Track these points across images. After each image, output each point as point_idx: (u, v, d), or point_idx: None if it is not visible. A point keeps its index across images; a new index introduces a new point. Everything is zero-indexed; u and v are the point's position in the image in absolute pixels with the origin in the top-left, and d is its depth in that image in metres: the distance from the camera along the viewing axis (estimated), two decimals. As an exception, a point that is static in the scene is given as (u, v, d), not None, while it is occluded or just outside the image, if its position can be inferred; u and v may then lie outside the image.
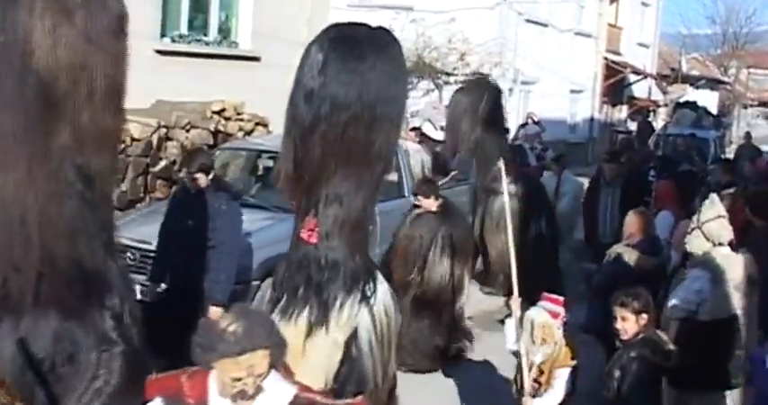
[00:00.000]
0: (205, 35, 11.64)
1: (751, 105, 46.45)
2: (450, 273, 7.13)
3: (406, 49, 17.15)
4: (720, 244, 5.25)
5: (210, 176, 6.21)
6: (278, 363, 2.81)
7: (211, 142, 10.12)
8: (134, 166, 9.00)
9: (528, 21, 21.36)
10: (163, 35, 10.93)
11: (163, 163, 9.41)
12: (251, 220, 7.77)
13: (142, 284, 6.57)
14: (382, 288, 3.85)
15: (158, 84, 10.12)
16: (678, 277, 5.56)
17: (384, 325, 3.81)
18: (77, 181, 2.34)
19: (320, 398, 2.83)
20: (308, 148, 3.63)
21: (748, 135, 21.57)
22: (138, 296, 6.44)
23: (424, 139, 12.16)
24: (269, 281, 5.81)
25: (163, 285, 6.39)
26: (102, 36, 2.28)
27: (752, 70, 46.96)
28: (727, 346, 5.18)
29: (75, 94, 2.30)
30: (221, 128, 10.41)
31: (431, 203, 7.26)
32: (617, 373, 4.50)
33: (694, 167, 14.28)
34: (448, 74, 17.94)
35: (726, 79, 41.54)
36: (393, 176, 9.55)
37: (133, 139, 9.02)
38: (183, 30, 11.32)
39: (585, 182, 10.88)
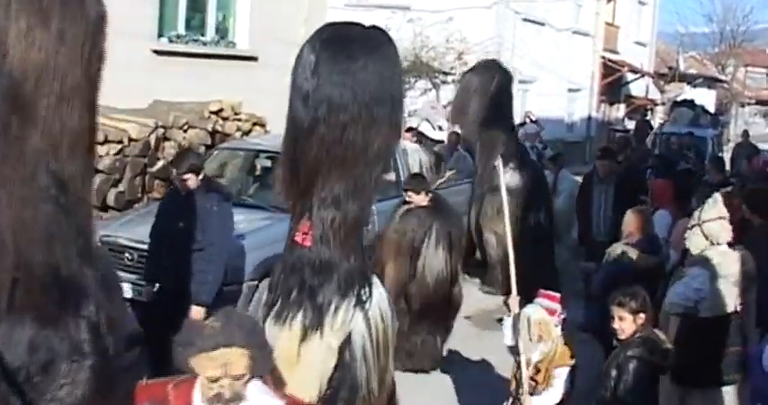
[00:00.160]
0: (202, 35, 11.63)
1: (748, 104, 46.53)
2: (445, 266, 7.09)
3: (404, 49, 17.27)
4: (718, 244, 5.28)
5: (201, 177, 6.16)
6: (262, 370, 2.76)
7: (209, 142, 10.12)
8: (132, 166, 8.99)
9: (525, 20, 21.38)
10: (160, 35, 10.93)
11: (160, 163, 9.40)
12: (249, 220, 7.78)
13: (139, 284, 6.59)
14: (378, 293, 3.79)
15: (156, 84, 10.13)
16: (677, 275, 5.58)
17: (380, 331, 3.75)
18: (52, 185, 2.30)
19: None
20: (305, 150, 3.59)
21: (746, 133, 21.61)
22: (131, 295, 6.48)
23: (422, 138, 12.18)
24: (267, 281, 5.81)
25: (157, 285, 6.35)
26: (78, 39, 2.24)
27: (749, 68, 47.04)
28: (728, 342, 5.21)
29: (47, 98, 2.26)
30: (219, 128, 10.41)
31: (421, 199, 7.20)
32: (614, 373, 4.50)
33: (691, 166, 14.30)
34: (445, 73, 17.96)
35: (723, 78, 41.60)
36: (391, 176, 9.56)
37: (131, 140, 9.01)
38: (181, 30, 11.31)
39: (583, 181, 10.90)
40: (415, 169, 9.93)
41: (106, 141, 8.76)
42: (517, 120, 18.69)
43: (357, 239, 3.72)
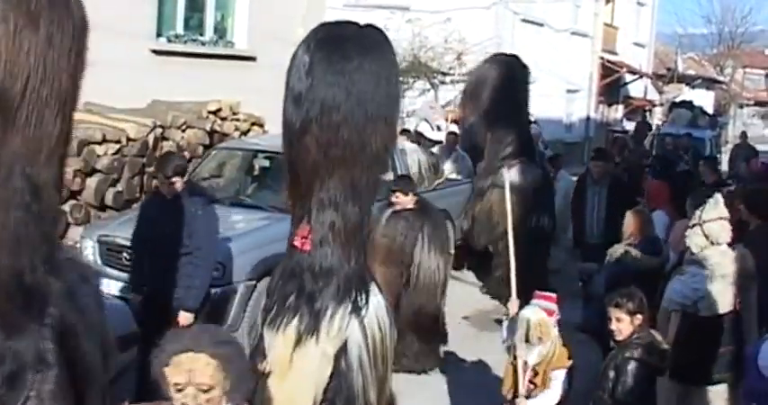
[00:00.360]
0: (201, 35, 11.64)
1: (747, 105, 46.56)
2: (438, 271, 7.04)
3: (402, 49, 17.27)
4: (718, 243, 5.30)
5: (184, 180, 6.05)
6: (235, 391, 2.65)
7: (207, 142, 10.12)
8: (130, 166, 8.98)
9: (524, 20, 21.37)
10: (159, 35, 10.93)
11: (159, 163, 9.40)
12: (247, 220, 7.79)
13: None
14: (376, 300, 3.70)
15: (154, 83, 10.13)
16: (676, 273, 5.60)
17: (377, 340, 3.66)
18: (26, 190, 2.26)
19: None
20: (300, 152, 3.54)
21: (744, 135, 21.60)
22: (130, 295, 6.34)
23: (420, 139, 12.17)
24: (266, 281, 5.80)
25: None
26: (66, 43, 2.21)
27: (748, 70, 47.07)
28: (726, 341, 5.23)
29: (33, 102, 2.23)
30: (217, 128, 10.40)
31: (408, 200, 7.09)
32: (612, 374, 4.51)
33: (690, 167, 14.30)
34: (444, 74, 17.94)
35: (722, 79, 41.61)
36: (389, 176, 9.56)
37: (129, 139, 9.01)
38: (179, 29, 11.32)
39: (581, 182, 10.90)
40: (414, 170, 9.93)
41: (104, 141, 8.75)
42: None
43: (357, 243, 3.64)
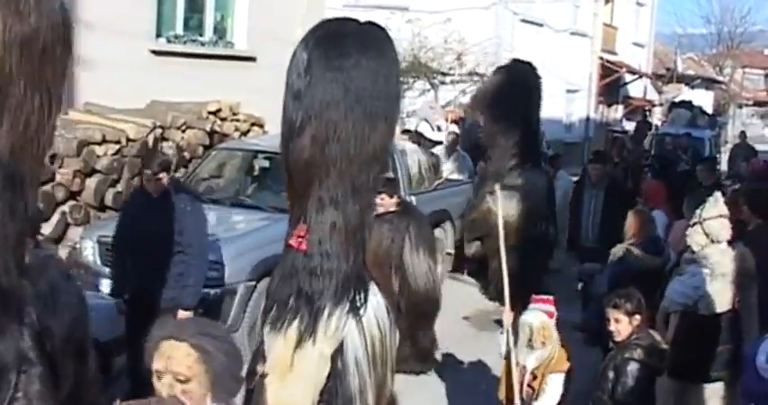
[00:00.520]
0: (201, 35, 11.64)
1: (746, 105, 46.56)
2: (430, 273, 6.99)
3: (402, 50, 17.23)
4: (718, 242, 5.31)
5: (170, 177, 5.99)
6: (217, 389, 2.58)
7: (207, 143, 10.13)
8: (129, 166, 8.98)
9: (523, 21, 21.38)
10: (158, 35, 10.93)
11: (158, 163, 9.40)
12: (247, 220, 7.79)
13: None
14: (375, 300, 3.63)
15: (154, 84, 10.13)
16: (676, 273, 5.61)
17: (376, 340, 3.58)
18: (5, 189, 2.25)
19: None
20: (298, 151, 3.48)
21: (743, 134, 21.62)
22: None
23: (420, 139, 12.17)
24: (266, 281, 5.80)
25: (126, 296, 6.05)
26: (50, 38, 2.20)
27: (747, 70, 47.08)
28: (725, 340, 5.24)
29: (18, 97, 2.22)
30: (217, 128, 10.41)
31: (392, 203, 6.94)
32: (611, 375, 4.51)
33: (689, 167, 14.31)
34: (444, 74, 17.95)
35: (721, 79, 41.62)
36: (389, 176, 9.56)
37: (129, 140, 9.01)
38: (179, 30, 11.32)
39: (581, 182, 10.90)
40: (414, 170, 9.94)
41: (104, 141, 8.76)
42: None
43: (356, 243, 3.58)
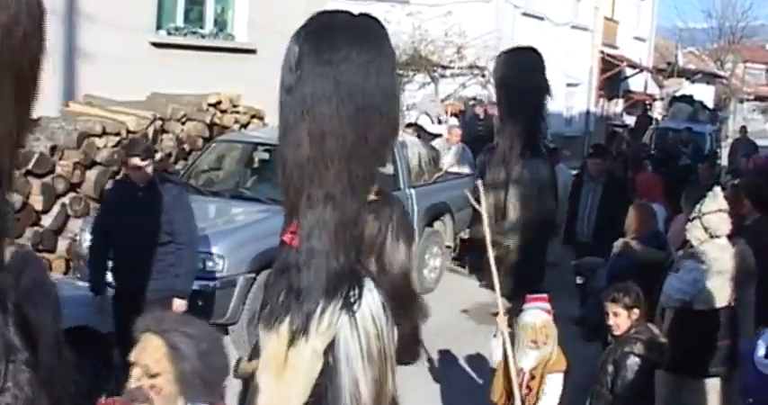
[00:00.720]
0: (201, 27, 11.61)
1: (747, 100, 46.49)
2: (407, 260, 6.97)
3: (403, 43, 17.19)
4: (717, 236, 5.30)
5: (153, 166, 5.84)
6: (189, 390, 2.52)
7: (207, 135, 10.12)
8: (130, 158, 8.97)
9: (524, 14, 21.35)
10: (159, 27, 10.91)
11: (158, 156, 9.38)
12: (246, 212, 7.80)
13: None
14: (371, 296, 3.56)
15: (154, 76, 10.12)
16: (672, 269, 5.60)
17: (371, 336, 3.51)
18: None
19: None
20: (292, 146, 3.42)
21: (744, 129, 21.62)
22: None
23: (420, 132, 12.17)
24: (265, 273, 5.80)
25: (111, 291, 5.91)
26: (29, 26, 2.18)
27: (748, 64, 47.00)
28: (718, 336, 5.24)
29: None
30: (217, 120, 10.40)
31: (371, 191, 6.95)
32: (611, 368, 4.52)
33: (690, 162, 14.32)
34: (444, 67, 17.93)
35: (722, 73, 41.58)
36: (389, 169, 9.56)
37: (129, 132, 9.01)
38: (179, 22, 11.29)
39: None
40: (414, 162, 9.95)
41: (104, 133, 8.76)
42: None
43: (349, 238, 3.51)
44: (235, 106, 10.82)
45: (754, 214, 6.69)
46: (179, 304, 5.76)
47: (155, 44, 10.56)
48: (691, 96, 21.97)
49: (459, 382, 6.94)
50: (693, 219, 5.40)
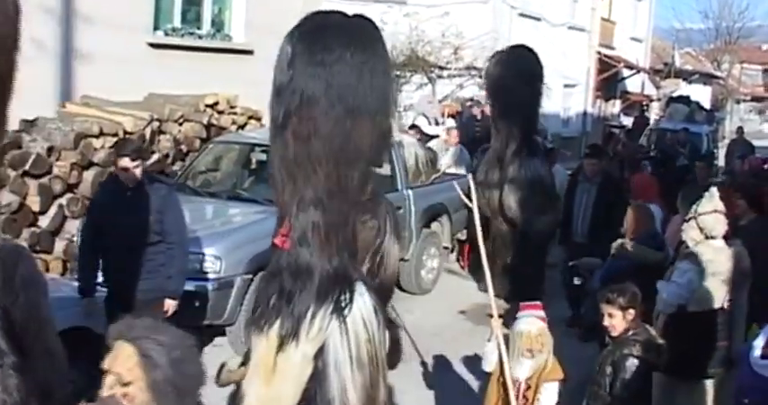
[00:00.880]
0: (198, 28, 11.62)
1: (744, 100, 46.59)
2: (397, 259, 6.93)
3: (400, 43, 17.15)
4: (713, 237, 5.30)
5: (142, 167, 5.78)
6: (162, 398, 2.48)
7: (204, 136, 10.12)
8: (127, 159, 8.96)
9: (521, 15, 21.37)
10: (156, 28, 10.91)
11: (155, 156, 9.40)
12: (244, 213, 7.80)
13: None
14: (362, 300, 3.51)
15: (151, 77, 10.11)
16: (666, 276, 5.60)
17: (362, 341, 3.45)
18: None
19: None
20: (281, 147, 3.39)
21: (740, 130, 21.66)
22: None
23: (417, 133, 12.18)
24: (261, 275, 5.80)
25: (103, 291, 5.86)
26: (5, 27, 2.17)
27: (745, 65, 47.08)
28: (712, 337, 5.24)
29: None
30: (214, 121, 10.40)
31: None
32: (609, 370, 4.51)
33: (687, 162, 14.35)
34: (441, 68, 17.94)
35: (719, 74, 41.63)
36: (386, 170, 9.56)
37: (126, 132, 9.00)
38: (177, 23, 11.29)
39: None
40: (411, 163, 9.94)
41: (101, 134, 8.75)
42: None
43: (341, 241, 3.47)
44: (232, 107, 10.81)
45: (749, 214, 6.70)
46: (170, 305, 5.76)
47: (152, 45, 10.56)
48: (688, 97, 21.99)
49: (457, 384, 6.94)
50: (689, 219, 5.40)
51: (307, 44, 3.33)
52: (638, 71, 29.47)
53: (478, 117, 15.02)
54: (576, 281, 8.29)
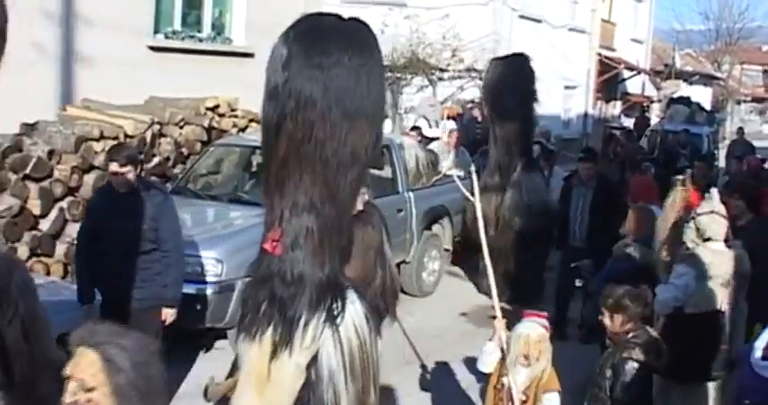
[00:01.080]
0: (199, 31, 11.63)
1: (744, 101, 46.60)
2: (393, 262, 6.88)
3: (401, 46, 17.15)
4: (710, 239, 5.28)
5: (137, 173, 5.71)
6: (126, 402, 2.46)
7: (205, 138, 10.12)
8: (128, 162, 8.96)
9: (522, 17, 21.37)
10: (156, 31, 10.92)
11: (156, 160, 9.41)
12: (245, 216, 7.80)
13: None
14: (353, 307, 3.45)
15: (152, 80, 10.12)
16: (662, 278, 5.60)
17: (354, 348, 3.41)
18: None
19: None
20: (275, 150, 3.32)
21: (741, 131, 21.64)
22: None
23: (418, 135, 12.18)
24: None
25: (98, 297, 5.80)
26: None
27: (745, 66, 47.13)
28: (710, 340, 5.22)
29: None
30: (215, 124, 10.40)
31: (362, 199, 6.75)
32: (609, 373, 4.50)
33: (688, 163, 14.32)
34: (442, 70, 17.95)
35: (719, 75, 41.66)
36: (387, 172, 9.57)
37: (126, 136, 9.01)
38: (177, 26, 11.31)
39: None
40: (411, 165, 9.95)
41: (102, 137, 8.76)
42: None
43: (333, 247, 3.41)
44: (233, 110, 10.82)
45: (747, 215, 6.70)
46: (168, 314, 5.69)
47: (152, 48, 10.57)
48: (688, 98, 21.96)
49: (458, 386, 6.93)
50: (688, 220, 5.40)
51: (303, 46, 3.27)
52: (639, 72, 29.47)
53: (479, 119, 15.03)
54: (578, 283, 8.29)
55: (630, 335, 4.54)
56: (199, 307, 6.74)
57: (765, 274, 5.58)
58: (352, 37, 3.36)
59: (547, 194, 9.82)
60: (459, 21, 17.83)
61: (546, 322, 4.65)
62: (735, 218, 6.46)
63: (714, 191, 5.60)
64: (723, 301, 5.22)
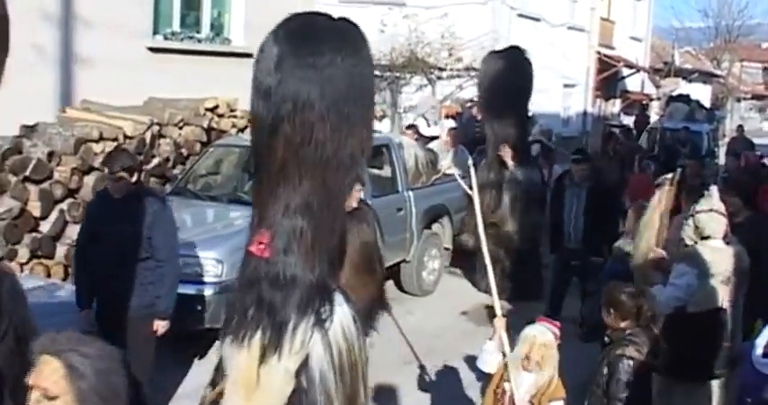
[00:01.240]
0: (197, 32, 11.64)
1: (744, 98, 46.59)
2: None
3: (399, 45, 17.14)
4: (708, 237, 5.28)
5: (134, 179, 5.59)
6: None
7: (204, 139, 10.13)
8: (127, 163, 8.97)
9: (520, 15, 21.35)
10: (155, 32, 10.93)
11: (156, 161, 9.41)
12: (245, 216, 7.77)
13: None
14: (341, 311, 3.42)
15: (151, 81, 10.13)
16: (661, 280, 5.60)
17: (343, 351, 3.38)
18: None
19: None
20: (269, 152, 3.26)
21: (740, 128, 21.65)
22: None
23: (414, 133, 12.19)
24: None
25: (94, 305, 5.75)
26: None
27: (745, 63, 47.11)
28: (713, 338, 5.22)
29: None
30: (214, 125, 10.40)
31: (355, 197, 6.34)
32: (605, 370, 4.50)
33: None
34: (441, 69, 17.95)
35: (719, 73, 41.65)
36: (386, 171, 9.58)
37: (126, 137, 9.01)
38: (176, 27, 11.32)
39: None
40: (411, 164, 9.95)
41: (101, 139, 8.76)
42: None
43: (324, 251, 3.36)
44: (232, 110, 10.82)
45: (744, 212, 6.70)
46: (160, 325, 5.61)
47: (152, 49, 10.58)
48: (688, 96, 21.98)
49: (458, 385, 6.93)
50: (687, 218, 5.40)
51: (295, 46, 3.22)
52: (638, 70, 29.45)
53: (478, 118, 15.03)
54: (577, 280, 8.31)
55: (627, 332, 4.55)
56: (198, 307, 6.74)
57: (762, 271, 5.58)
58: (343, 37, 3.32)
59: (542, 189, 9.81)
60: (457, 20, 17.82)
61: (557, 331, 4.50)
62: (732, 215, 6.46)
63: (714, 188, 5.59)
64: (724, 298, 5.21)
